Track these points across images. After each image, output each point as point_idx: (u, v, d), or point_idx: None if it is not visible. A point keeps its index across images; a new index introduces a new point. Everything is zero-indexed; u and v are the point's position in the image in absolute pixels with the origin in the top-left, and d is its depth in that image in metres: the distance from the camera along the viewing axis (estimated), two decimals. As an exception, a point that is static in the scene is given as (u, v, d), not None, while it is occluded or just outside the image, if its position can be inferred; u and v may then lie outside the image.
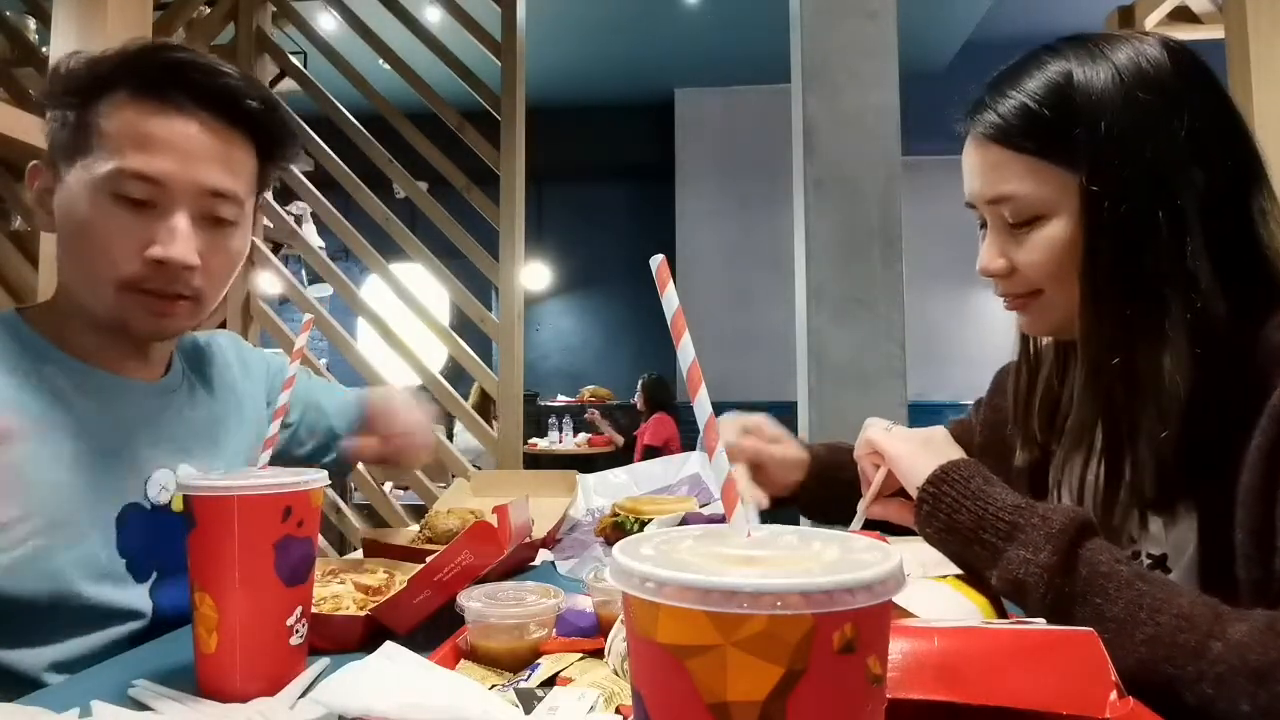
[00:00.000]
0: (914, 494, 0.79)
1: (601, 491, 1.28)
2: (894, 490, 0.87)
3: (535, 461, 5.51)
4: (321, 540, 2.41)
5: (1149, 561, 0.80)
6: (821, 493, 1.08)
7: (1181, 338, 0.71)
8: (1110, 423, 0.77)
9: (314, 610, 0.76)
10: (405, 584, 0.78)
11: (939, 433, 0.84)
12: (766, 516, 0.96)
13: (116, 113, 0.82)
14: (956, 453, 0.79)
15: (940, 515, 0.75)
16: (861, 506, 0.89)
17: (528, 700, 0.59)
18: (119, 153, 0.81)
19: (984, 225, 0.83)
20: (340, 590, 0.82)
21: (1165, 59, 0.74)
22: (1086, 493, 0.85)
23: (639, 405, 6.00)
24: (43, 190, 0.88)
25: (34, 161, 0.87)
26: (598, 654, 0.69)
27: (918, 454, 0.80)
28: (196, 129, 0.84)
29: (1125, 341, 0.73)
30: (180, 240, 0.82)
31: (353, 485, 3.01)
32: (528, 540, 0.99)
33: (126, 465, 0.87)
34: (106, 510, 0.84)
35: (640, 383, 6.03)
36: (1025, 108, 0.76)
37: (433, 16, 3.31)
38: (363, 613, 0.77)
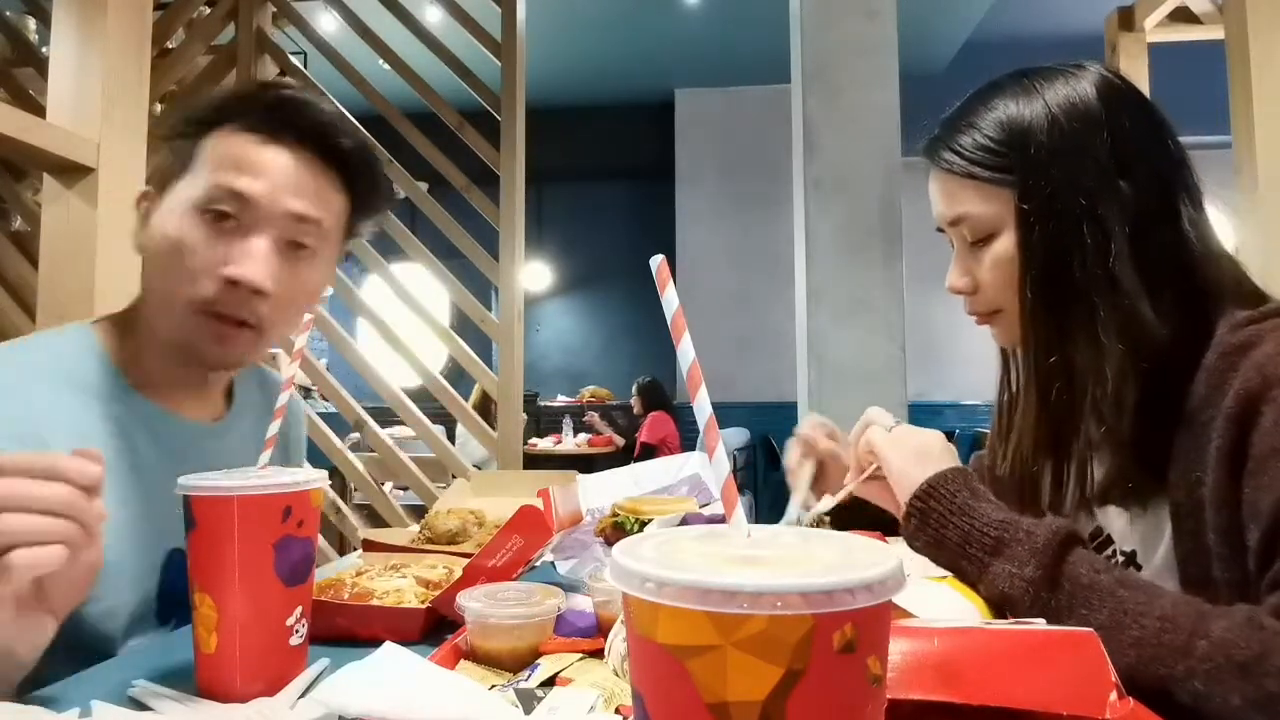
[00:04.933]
0: (903, 505, 0.81)
1: (601, 491, 1.28)
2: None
3: (535, 462, 5.50)
4: (321, 540, 2.41)
5: (1121, 559, 0.84)
6: (859, 510, 1.09)
7: (1113, 339, 0.77)
8: (1053, 420, 0.82)
9: (377, 602, 0.79)
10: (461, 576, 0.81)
11: (935, 443, 0.85)
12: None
13: (222, 141, 0.87)
14: (950, 461, 0.82)
15: (929, 529, 0.78)
16: (847, 489, 0.94)
17: (528, 700, 0.59)
18: (214, 171, 0.86)
19: (952, 244, 0.91)
20: (402, 584, 0.84)
21: (1093, 89, 0.81)
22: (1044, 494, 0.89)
23: (635, 409, 6.00)
24: (145, 216, 0.91)
25: (144, 188, 0.92)
26: (598, 654, 0.69)
27: (912, 467, 0.82)
28: (292, 158, 0.88)
29: (1061, 343, 0.80)
30: (255, 262, 0.85)
31: (352, 485, 3.01)
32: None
33: (175, 507, 0.88)
34: (153, 554, 0.86)
35: (635, 386, 6.03)
36: (973, 140, 0.84)
37: (433, 16, 3.31)
38: (423, 605, 0.79)
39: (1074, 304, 0.79)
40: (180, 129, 0.90)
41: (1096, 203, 0.78)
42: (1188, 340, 0.77)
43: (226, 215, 0.84)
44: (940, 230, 0.91)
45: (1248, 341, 0.72)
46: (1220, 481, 0.70)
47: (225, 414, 1.00)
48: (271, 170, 0.86)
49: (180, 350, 0.89)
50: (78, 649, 0.76)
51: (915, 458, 0.83)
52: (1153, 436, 0.77)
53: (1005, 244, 0.83)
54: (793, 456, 1.04)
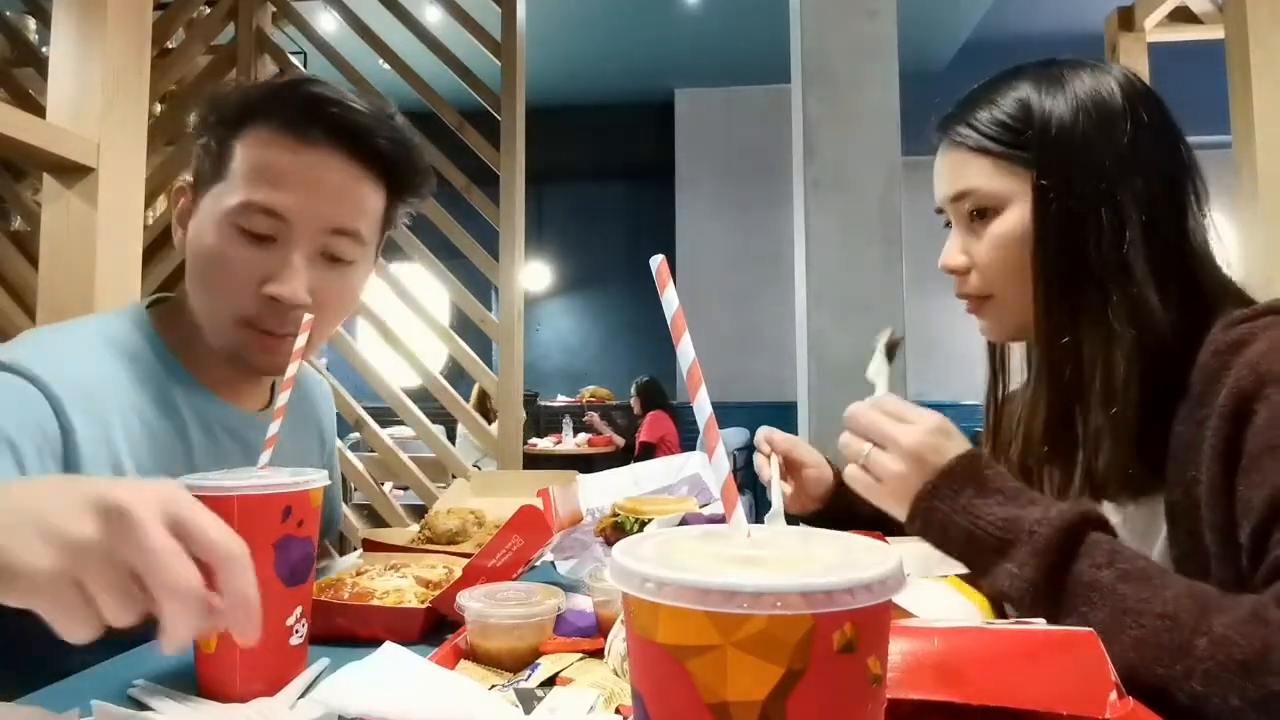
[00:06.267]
0: (901, 515, 0.79)
1: (601, 491, 1.28)
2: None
3: (535, 462, 5.51)
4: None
5: None
6: (836, 515, 1.11)
7: (1124, 325, 0.78)
8: (1063, 404, 0.82)
9: (377, 603, 0.79)
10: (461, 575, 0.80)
11: (931, 445, 0.77)
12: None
13: (254, 145, 0.84)
14: (958, 448, 0.77)
15: (933, 531, 0.76)
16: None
17: (528, 700, 0.59)
18: (248, 185, 0.83)
19: (948, 225, 0.91)
20: (402, 584, 0.84)
21: (1117, 85, 0.82)
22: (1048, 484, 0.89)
23: (635, 409, 6.01)
24: (182, 212, 0.90)
25: (181, 182, 0.90)
26: (598, 654, 0.69)
27: (910, 484, 0.77)
28: (327, 164, 0.84)
29: (1073, 326, 0.80)
30: (293, 278, 0.84)
31: (353, 485, 3.02)
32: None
33: None
34: None
35: (634, 386, 6.04)
36: (990, 116, 0.85)
37: (433, 16, 3.31)
38: (423, 605, 0.79)
39: (1086, 287, 0.79)
40: (209, 127, 0.87)
41: (1115, 189, 0.79)
42: (1187, 337, 0.78)
43: (263, 233, 0.83)
44: (939, 211, 0.92)
45: (1241, 339, 0.73)
46: (1215, 480, 0.70)
47: (269, 403, 1.01)
48: (306, 181, 0.83)
49: (228, 357, 0.89)
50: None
51: (914, 470, 0.77)
52: (1152, 430, 0.78)
53: (1011, 221, 0.83)
54: (759, 462, 1.08)
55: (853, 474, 0.83)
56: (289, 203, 0.83)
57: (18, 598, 0.46)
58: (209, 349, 0.90)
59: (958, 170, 0.87)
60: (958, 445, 0.77)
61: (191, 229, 0.88)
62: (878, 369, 0.90)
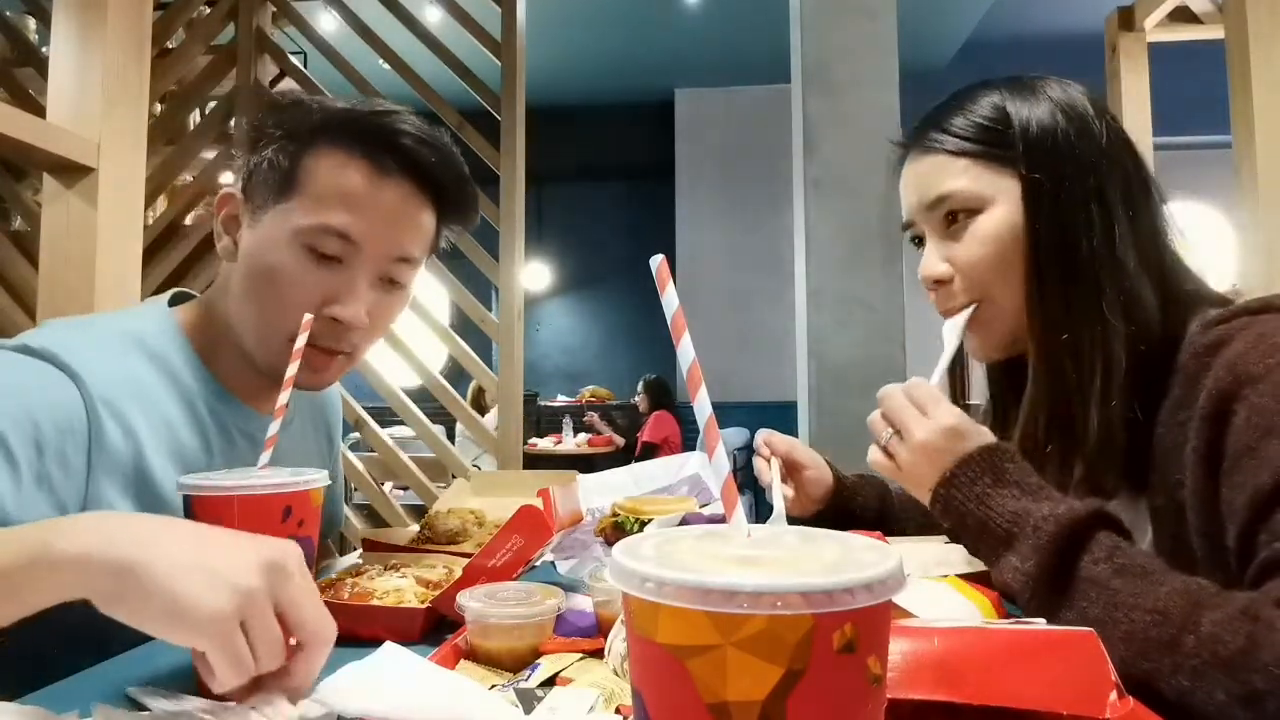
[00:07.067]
0: (925, 501, 0.80)
1: (601, 492, 1.28)
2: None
3: (535, 462, 5.51)
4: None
5: None
6: (835, 515, 1.12)
7: (1119, 320, 0.78)
8: (1063, 400, 0.82)
9: (377, 602, 0.80)
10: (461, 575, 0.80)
11: (937, 446, 0.78)
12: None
13: (328, 168, 0.86)
14: (968, 448, 0.77)
15: (951, 516, 0.77)
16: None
17: (528, 700, 0.59)
18: (323, 207, 0.85)
19: (917, 243, 0.91)
20: (402, 584, 0.84)
21: (1082, 95, 0.85)
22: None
23: (641, 407, 6.02)
24: (229, 218, 0.91)
25: (226, 188, 0.91)
26: (598, 654, 0.69)
27: (921, 473, 0.79)
28: (399, 196, 0.88)
29: (1069, 322, 0.80)
30: (357, 301, 0.87)
31: (353, 485, 3.02)
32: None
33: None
34: None
35: (642, 383, 6.05)
36: (966, 120, 0.85)
37: (433, 16, 3.30)
38: (423, 605, 0.79)
39: (1080, 282, 0.80)
40: (274, 140, 0.88)
41: (1102, 184, 0.80)
42: (1169, 335, 0.79)
43: (332, 254, 0.86)
44: (906, 227, 0.92)
45: (1219, 340, 0.73)
46: (1199, 482, 0.70)
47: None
48: (380, 210, 0.87)
49: (269, 370, 0.90)
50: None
51: (927, 461, 0.79)
52: (1140, 430, 0.78)
53: (992, 220, 0.83)
54: (759, 465, 1.09)
55: (874, 455, 0.84)
56: (362, 229, 0.86)
57: (184, 637, 0.52)
58: (239, 356, 0.92)
59: (934, 175, 0.87)
60: (968, 446, 0.77)
61: (249, 242, 0.88)
62: (952, 329, 0.89)
